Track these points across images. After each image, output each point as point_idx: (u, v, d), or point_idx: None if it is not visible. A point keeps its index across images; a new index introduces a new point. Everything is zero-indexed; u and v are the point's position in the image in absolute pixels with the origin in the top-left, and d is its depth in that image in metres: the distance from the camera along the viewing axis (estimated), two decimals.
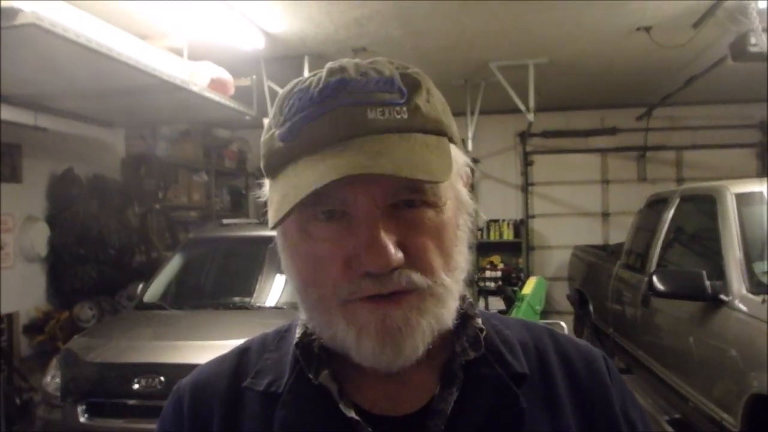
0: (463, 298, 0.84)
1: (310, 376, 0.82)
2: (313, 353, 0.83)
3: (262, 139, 0.82)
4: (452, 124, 0.82)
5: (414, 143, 0.74)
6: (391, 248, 0.72)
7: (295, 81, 0.80)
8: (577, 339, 0.96)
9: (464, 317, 0.85)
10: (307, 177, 0.71)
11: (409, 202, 0.75)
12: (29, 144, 6.39)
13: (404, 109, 0.75)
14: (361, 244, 0.72)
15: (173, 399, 0.90)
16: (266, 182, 0.83)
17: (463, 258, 0.81)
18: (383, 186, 0.73)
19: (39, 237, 6.75)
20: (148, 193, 7.92)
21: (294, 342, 0.86)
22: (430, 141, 0.76)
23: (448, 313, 0.78)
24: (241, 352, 0.92)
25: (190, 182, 8.74)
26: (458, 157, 0.82)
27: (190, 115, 6.93)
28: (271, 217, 0.75)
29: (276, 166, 0.78)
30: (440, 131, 0.78)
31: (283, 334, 0.92)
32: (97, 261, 7.16)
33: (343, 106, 0.73)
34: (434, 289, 0.76)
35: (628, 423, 0.87)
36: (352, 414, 0.79)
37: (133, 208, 7.78)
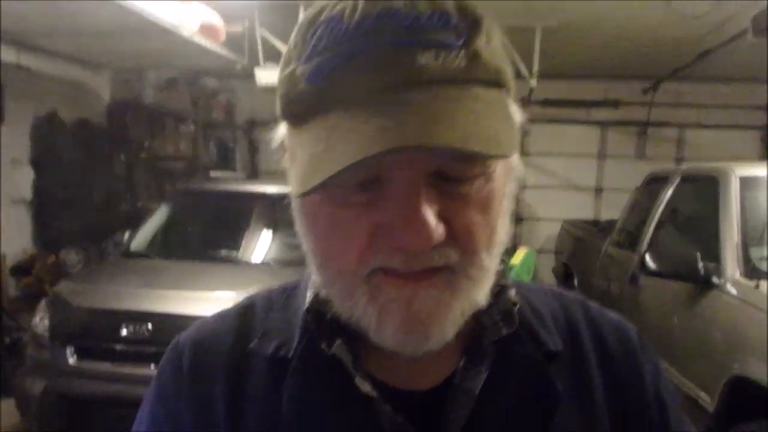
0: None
1: (323, 345, 0.73)
2: (325, 319, 0.74)
3: (280, 74, 0.67)
4: (511, 75, 0.68)
5: (475, 102, 0.60)
6: (432, 223, 0.60)
7: (321, 4, 0.65)
8: (610, 312, 0.88)
9: (495, 286, 0.74)
10: (347, 141, 0.58)
11: (455, 178, 0.63)
12: (12, 84, 6.27)
13: (462, 53, 0.61)
14: (396, 216, 0.61)
15: (172, 356, 0.81)
16: (282, 126, 0.70)
17: (505, 232, 0.70)
18: (430, 151, 0.59)
19: (23, 180, 6.77)
20: (134, 142, 7.87)
21: (304, 307, 0.76)
22: (491, 97, 0.63)
23: (483, 295, 0.69)
24: (245, 310, 0.83)
25: (177, 132, 8.64)
26: (515, 113, 0.68)
27: (179, 61, 6.82)
28: (299, 180, 0.62)
29: (300, 113, 0.64)
30: (500, 83, 0.65)
31: (290, 292, 0.83)
32: (82, 207, 7.29)
33: (387, 46, 0.59)
34: (471, 272, 0.66)
35: (659, 404, 0.80)
36: (368, 389, 0.71)
37: (119, 155, 7.74)
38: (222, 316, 0.84)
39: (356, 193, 0.63)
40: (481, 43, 0.63)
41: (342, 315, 0.70)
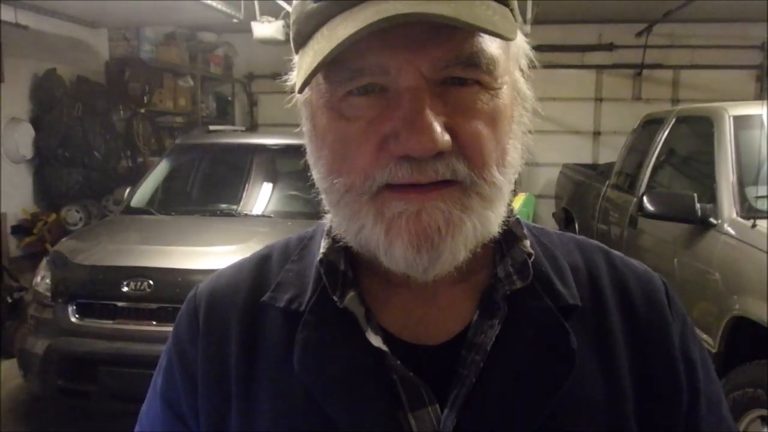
0: (510, 211, 0.74)
1: (335, 298, 0.73)
2: (339, 271, 0.74)
3: (293, 5, 0.70)
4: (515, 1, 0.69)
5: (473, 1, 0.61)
6: (438, 127, 0.61)
7: None
8: (635, 262, 0.83)
9: (509, 235, 0.75)
10: (344, 28, 0.60)
11: (460, 80, 0.63)
12: (10, 42, 6.23)
13: None
14: (401, 122, 0.61)
15: (188, 307, 0.83)
16: (295, 58, 0.71)
17: (517, 155, 0.69)
18: (432, 54, 0.61)
19: (24, 138, 6.72)
20: (132, 98, 7.83)
21: (318, 257, 0.76)
22: (491, 3, 0.63)
23: (495, 218, 0.67)
24: (261, 260, 0.83)
25: (176, 87, 8.59)
26: (519, 39, 0.70)
27: (175, 16, 6.76)
28: (300, 74, 0.64)
29: (307, 32, 0.66)
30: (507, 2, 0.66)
31: (306, 242, 0.83)
32: (83, 165, 7.17)
33: None
34: (481, 187, 0.64)
35: (687, 362, 0.76)
36: (380, 343, 0.70)
37: (118, 112, 7.71)
38: (239, 267, 0.84)
39: (363, 105, 0.64)
40: None
41: (351, 243, 0.70)
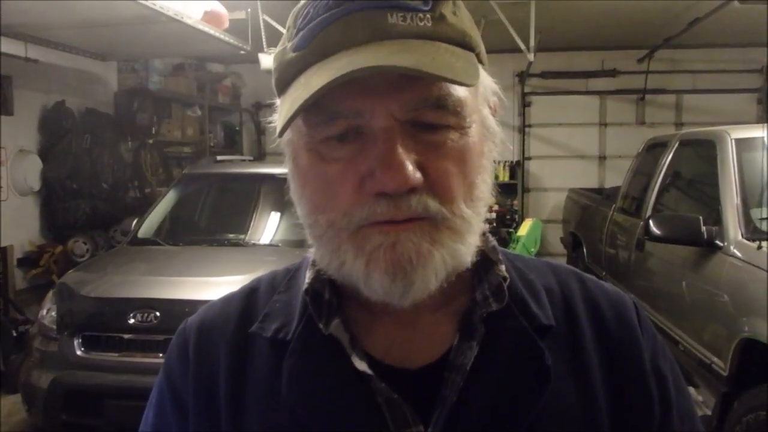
0: (485, 239, 0.78)
1: (321, 326, 0.76)
2: (323, 299, 0.77)
3: (274, 53, 0.76)
4: (480, 44, 0.74)
5: (437, 48, 0.66)
6: (409, 165, 0.65)
7: None
8: (606, 284, 0.88)
9: (486, 261, 0.78)
10: (319, 77, 0.65)
11: (430, 125, 0.68)
12: (20, 76, 6.31)
13: (428, 16, 0.67)
14: (376, 161, 0.66)
15: (179, 340, 0.85)
16: (277, 102, 0.76)
17: (486, 188, 0.73)
18: (402, 98, 0.66)
19: (31, 170, 6.72)
20: (141, 128, 7.86)
21: (303, 287, 0.79)
22: (456, 50, 0.68)
23: (466, 249, 0.71)
24: (249, 293, 0.86)
25: (184, 117, 8.66)
26: (486, 79, 0.75)
27: (184, 48, 6.83)
28: (279, 121, 0.69)
29: (287, 79, 0.71)
30: (467, 46, 0.71)
31: (293, 273, 0.86)
32: (90, 196, 7.16)
33: (360, 10, 0.66)
34: (451, 221, 0.69)
35: (658, 378, 0.80)
36: (365, 367, 0.73)
37: (126, 142, 7.74)
38: (227, 300, 0.87)
39: (341, 148, 0.68)
40: (447, 10, 0.69)
41: (334, 275, 0.73)
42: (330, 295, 0.77)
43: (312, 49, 0.68)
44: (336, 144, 0.69)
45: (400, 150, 0.65)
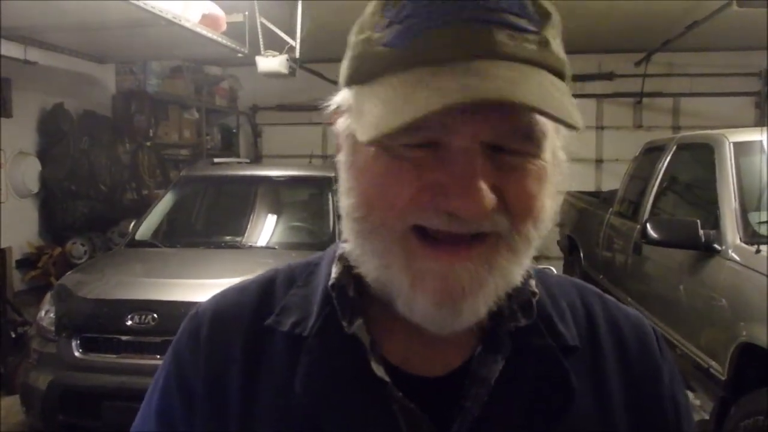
0: None
1: (344, 323, 0.73)
2: (347, 297, 0.75)
3: (354, 39, 0.70)
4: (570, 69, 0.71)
5: (545, 80, 0.63)
6: (487, 193, 0.62)
7: None
8: (626, 307, 0.86)
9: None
10: (430, 91, 0.60)
11: (510, 150, 0.65)
12: (19, 78, 6.33)
13: (535, 38, 0.64)
14: (452, 180, 0.62)
15: (191, 325, 0.82)
16: (343, 91, 0.71)
17: (551, 215, 0.71)
18: (492, 122, 0.62)
19: (30, 172, 6.75)
20: (138, 130, 7.88)
21: (329, 282, 0.76)
22: (560, 85, 0.65)
23: (519, 270, 0.69)
24: (266, 283, 0.83)
25: (181, 120, 8.68)
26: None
27: (181, 51, 6.84)
28: (371, 125, 0.63)
29: (373, 71, 0.66)
30: (564, 75, 0.67)
31: (312, 268, 0.82)
32: (88, 197, 7.17)
33: (466, 20, 0.62)
34: (513, 240, 0.66)
35: (674, 405, 0.80)
36: (383, 373, 0.71)
37: (124, 144, 7.75)
38: (243, 289, 0.84)
39: (413, 150, 0.64)
40: (551, 34, 0.66)
41: (369, 277, 0.70)
42: (354, 293, 0.75)
43: (415, 51, 0.63)
44: (409, 146, 0.65)
45: (480, 175, 0.62)
